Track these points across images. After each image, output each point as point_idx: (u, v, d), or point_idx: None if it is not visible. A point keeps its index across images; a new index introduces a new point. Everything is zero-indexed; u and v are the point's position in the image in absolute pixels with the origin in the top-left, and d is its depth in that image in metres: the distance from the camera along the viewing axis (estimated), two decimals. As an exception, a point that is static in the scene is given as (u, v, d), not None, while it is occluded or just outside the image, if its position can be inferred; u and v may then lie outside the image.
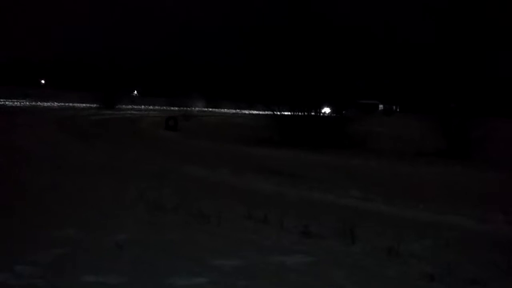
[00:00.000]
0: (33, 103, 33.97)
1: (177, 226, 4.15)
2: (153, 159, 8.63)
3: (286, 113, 14.25)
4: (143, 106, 42.79)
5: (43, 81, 67.02)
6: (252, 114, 31.28)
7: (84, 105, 35.67)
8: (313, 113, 13.54)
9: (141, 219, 4.30)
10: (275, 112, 13.99)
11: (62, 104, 35.87)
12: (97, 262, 3.08)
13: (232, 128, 21.13)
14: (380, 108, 63.77)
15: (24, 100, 35.93)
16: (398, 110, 67.77)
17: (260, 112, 16.90)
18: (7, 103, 31.49)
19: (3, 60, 64.57)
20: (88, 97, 35.89)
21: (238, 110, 47.88)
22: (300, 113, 13.60)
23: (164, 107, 40.08)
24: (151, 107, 42.96)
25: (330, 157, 10.38)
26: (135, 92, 62.77)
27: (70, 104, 36.12)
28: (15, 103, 32.32)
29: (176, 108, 31.75)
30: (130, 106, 38.77)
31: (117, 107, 35.83)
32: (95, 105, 34.77)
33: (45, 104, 34.16)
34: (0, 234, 3.58)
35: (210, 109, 46.65)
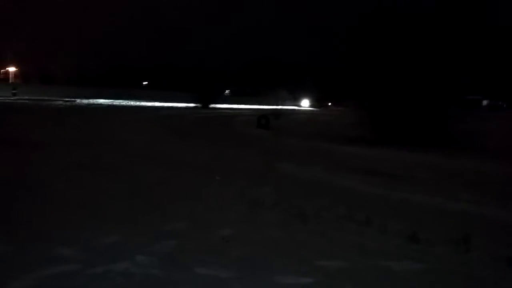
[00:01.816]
0: (137, 103, 36.81)
1: (277, 224, 4.19)
2: (249, 156, 8.85)
3: (380, 109, 13.68)
4: (235, 105, 44.15)
5: (145, 83, 72.33)
6: (340, 111, 30.61)
7: (182, 104, 37.80)
8: (410, 110, 12.80)
9: (242, 215, 4.42)
10: (369, 109, 13.52)
11: (163, 104, 38.37)
12: (207, 256, 3.22)
13: (322, 126, 20.91)
14: (483, 104, 58.78)
15: (129, 101, 39.09)
16: (505, 106, 61.94)
17: (349, 109, 16.45)
18: (115, 103, 34.54)
19: (110, 64, 70.90)
20: (186, 97, 38.03)
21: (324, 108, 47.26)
22: (396, 110, 12.95)
23: (255, 106, 40.93)
24: (242, 106, 44.16)
25: (431, 157, 9.75)
26: (227, 91, 64.99)
27: (170, 104, 38.50)
28: (122, 103, 35.32)
29: (266, 107, 32.23)
30: (223, 106, 40.23)
31: (211, 106, 37.43)
32: (192, 105, 36.77)
33: (148, 104, 36.82)
34: (119, 226, 3.90)
35: (298, 107, 46.61)
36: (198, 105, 36.93)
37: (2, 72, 61.03)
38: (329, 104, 56.57)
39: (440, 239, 3.77)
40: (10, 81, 56.34)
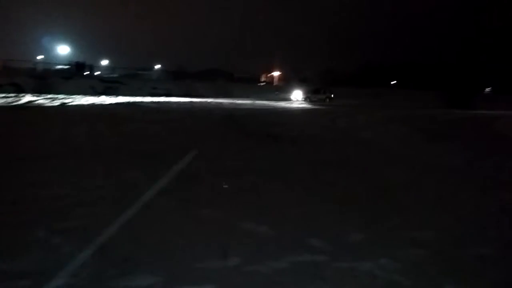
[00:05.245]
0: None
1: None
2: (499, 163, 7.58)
3: None
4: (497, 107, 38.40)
5: (393, 82, 70.94)
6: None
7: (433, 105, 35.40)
8: None
9: (503, 232, 3.81)
10: None
11: (408, 104, 36.77)
12: (458, 274, 2.92)
13: None
14: None
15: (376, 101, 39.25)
16: None
17: None
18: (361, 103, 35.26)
19: (360, 65, 72.63)
20: (436, 96, 35.51)
21: None
22: None
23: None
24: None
25: None
26: (488, 89, 57.21)
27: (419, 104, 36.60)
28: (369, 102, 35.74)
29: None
30: (482, 106, 35.64)
31: (467, 106, 33.75)
32: (444, 105, 34.14)
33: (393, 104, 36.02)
34: (363, 225, 3.94)
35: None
36: (451, 105, 33.93)
37: (269, 76, 70.96)
38: (332, 96, 39.19)
39: None
40: (274, 83, 64.95)
